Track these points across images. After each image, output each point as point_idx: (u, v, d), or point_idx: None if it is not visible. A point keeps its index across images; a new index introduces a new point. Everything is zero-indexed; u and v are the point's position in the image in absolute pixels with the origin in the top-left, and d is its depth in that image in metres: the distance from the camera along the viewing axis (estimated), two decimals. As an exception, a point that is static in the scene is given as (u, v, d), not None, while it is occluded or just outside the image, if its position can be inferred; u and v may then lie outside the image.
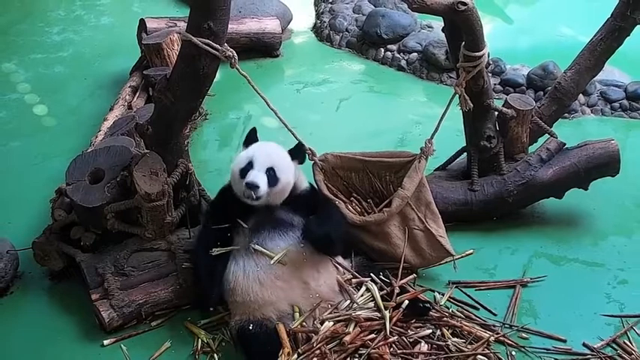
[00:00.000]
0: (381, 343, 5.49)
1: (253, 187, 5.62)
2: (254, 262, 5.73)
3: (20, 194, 7.35)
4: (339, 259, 5.99)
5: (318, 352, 5.41)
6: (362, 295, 5.80)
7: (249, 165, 5.73)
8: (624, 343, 5.76)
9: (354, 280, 5.89)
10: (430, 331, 5.68)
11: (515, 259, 6.60)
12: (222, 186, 6.09)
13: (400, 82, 9.44)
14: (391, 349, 5.50)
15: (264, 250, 5.73)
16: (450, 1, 5.88)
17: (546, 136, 6.94)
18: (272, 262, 5.67)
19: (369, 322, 5.60)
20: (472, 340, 5.65)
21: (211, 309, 5.91)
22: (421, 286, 6.17)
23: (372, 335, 5.55)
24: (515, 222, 6.92)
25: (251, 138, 6.01)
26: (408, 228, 6.28)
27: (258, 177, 5.64)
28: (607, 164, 6.75)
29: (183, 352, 5.76)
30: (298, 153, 5.97)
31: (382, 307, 5.68)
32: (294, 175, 5.87)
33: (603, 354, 5.67)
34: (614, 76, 8.90)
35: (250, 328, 5.60)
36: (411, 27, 9.89)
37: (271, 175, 5.70)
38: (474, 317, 5.96)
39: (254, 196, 5.65)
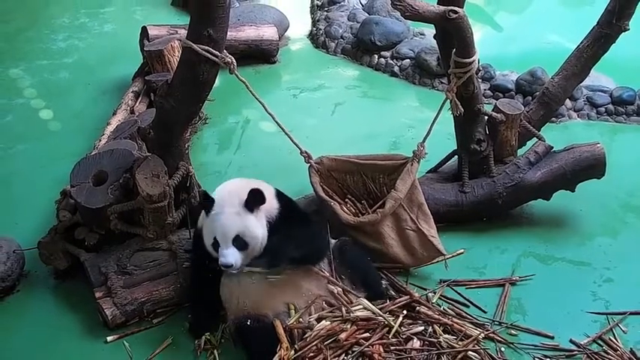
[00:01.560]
0: (376, 342, 5.50)
1: (228, 267, 5.49)
2: (247, 275, 5.68)
3: (26, 196, 7.34)
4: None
5: (314, 347, 5.41)
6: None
7: (216, 242, 5.55)
8: (610, 339, 5.76)
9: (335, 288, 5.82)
10: (422, 328, 5.68)
11: (505, 258, 6.60)
12: (195, 229, 5.99)
13: (393, 87, 9.44)
14: (385, 346, 5.51)
15: (257, 269, 5.67)
16: (441, 9, 5.88)
17: (534, 139, 6.95)
18: (268, 278, 5.66)
19: (364, 322, 5.61)
20: (463, 336, 5.64)
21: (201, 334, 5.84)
22: (414, 285, 6.19)
23: (367, 334, 5.55)
24: (504, 222, 6.92)
25: (207, 205, 5.64)
26: (401, 228, 6.28)
27: (229, 256, 5.47)
28: (593, 167, 6.75)
29: (185, 349, 5.75)
30: (254, 201, 5.55)
31: (381, 314, 5.67)
32: (262, 226, 5.60)
33: (589, 350, 5.66)
34: (600, 81, 8.91)
35: (248, 323, 5.57)
36: (404, 34, 9.90)
37: (240, 243, 5.50)
38: (464, 315, 5.95)
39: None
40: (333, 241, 6.03)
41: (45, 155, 7.97)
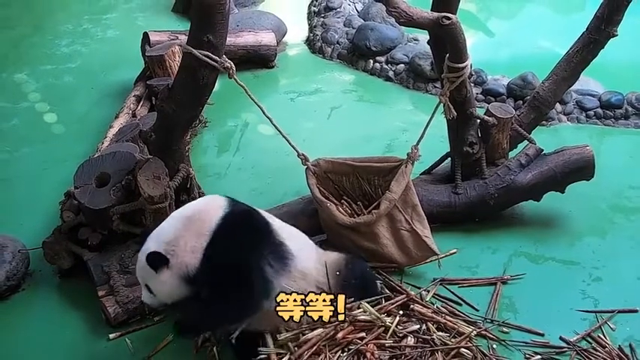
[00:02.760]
0: (371, 341, 5.51)
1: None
2: None
3: (31, 197, 7.34)
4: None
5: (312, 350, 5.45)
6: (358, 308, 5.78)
7: None
8: (598, 337, 5.77)
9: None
10: (418, 326, 5.69)
11: (496, 257, 6.60)
12: None
13: (388, 91, 9.43)
14: (379, 345, 5.53)
15: None
16: (435, 15, 5.89)
17: (525, 142, 6.95)
18: None
19: (362, 323, 5.63)
20: (456, 334, 5.65)
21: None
22: (408, 284, 6.19)
23: (363, 334, 5.55)
24: (496, 223, 6.91)
25: (140, 241, 5.40)
26: (396, 229, 6.29)
27: (144, 296, 5.33)
28: (582, 169, 6.75)
29: (185, 346, 5.73)
30: (154, 265, 5.10)
31: (379, 316, 5.66)
32: (167, 283, 5.18)
33: (579, 347, 5.67)
34: (589, 86, 8.89)
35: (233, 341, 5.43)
36: (399, 40, 9.89)
37: (149, 290, 5.26)
38: (457, 313, 5.95)
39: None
40: (336, 255, 5.79)
41: (49, 158, 7.97)
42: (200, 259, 5.12)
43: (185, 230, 5.18)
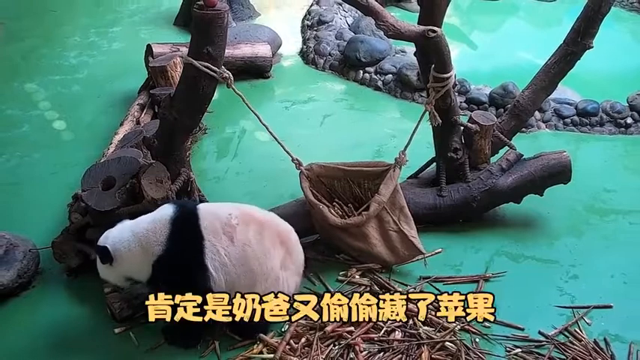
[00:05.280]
0: (361, 334, 5.54)
1: None
2: None
3: (41, 199, 7.32)
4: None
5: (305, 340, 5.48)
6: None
7: None
8: (575, 331, 5.78)
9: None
10: (404, 320, 5.70)
11: (479, 256, 6.61)
12: None
13: (377, 100, 9.45)
14: (367, 338, 5.55)
15: None
16: (421, 29, 5.91)
17: (506, 148, 6.96)
18: None
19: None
20: (441, 328, 5.66)
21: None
22: (396, 281, 6.20)
23: (351, 328, 5.60)
24: (479, 224, 6.92)
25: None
26: (384, 229, 6.29)
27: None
28: (560, 173, 6.76)
29: (186, 340, 5.74)
30: (102, 258, 5.46)
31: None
32: (113, 276, 5.56)
33: (557, 341, 5.68)
34: (566, 94, 8.92)
35: None
36: (387, 52, 9.90)
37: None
38: (442, 308, 5.97)
39: None
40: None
41: (58, 162, 7.95)
42: (147, 277, 5.45)
43: (137, 245, 5.39)
